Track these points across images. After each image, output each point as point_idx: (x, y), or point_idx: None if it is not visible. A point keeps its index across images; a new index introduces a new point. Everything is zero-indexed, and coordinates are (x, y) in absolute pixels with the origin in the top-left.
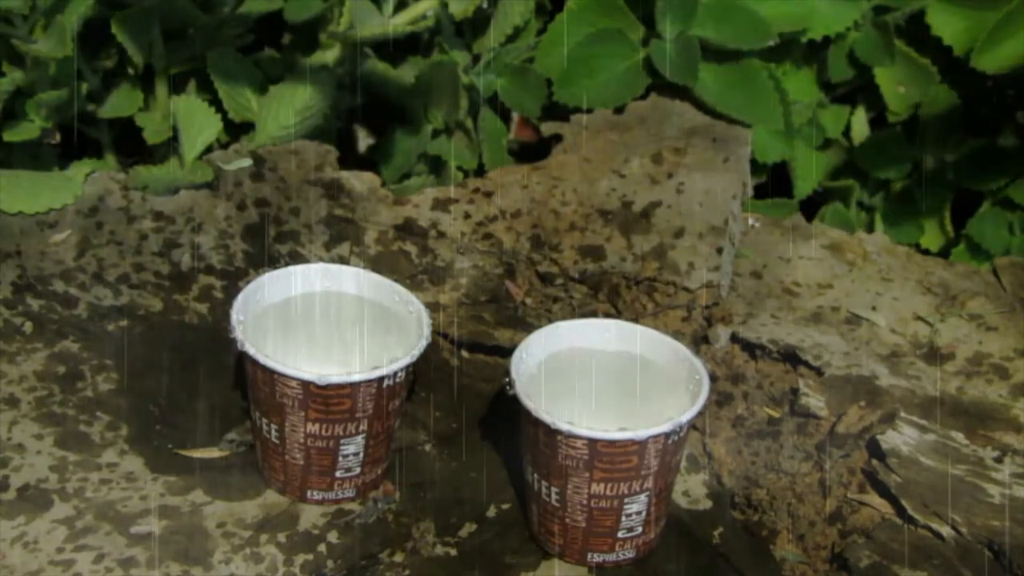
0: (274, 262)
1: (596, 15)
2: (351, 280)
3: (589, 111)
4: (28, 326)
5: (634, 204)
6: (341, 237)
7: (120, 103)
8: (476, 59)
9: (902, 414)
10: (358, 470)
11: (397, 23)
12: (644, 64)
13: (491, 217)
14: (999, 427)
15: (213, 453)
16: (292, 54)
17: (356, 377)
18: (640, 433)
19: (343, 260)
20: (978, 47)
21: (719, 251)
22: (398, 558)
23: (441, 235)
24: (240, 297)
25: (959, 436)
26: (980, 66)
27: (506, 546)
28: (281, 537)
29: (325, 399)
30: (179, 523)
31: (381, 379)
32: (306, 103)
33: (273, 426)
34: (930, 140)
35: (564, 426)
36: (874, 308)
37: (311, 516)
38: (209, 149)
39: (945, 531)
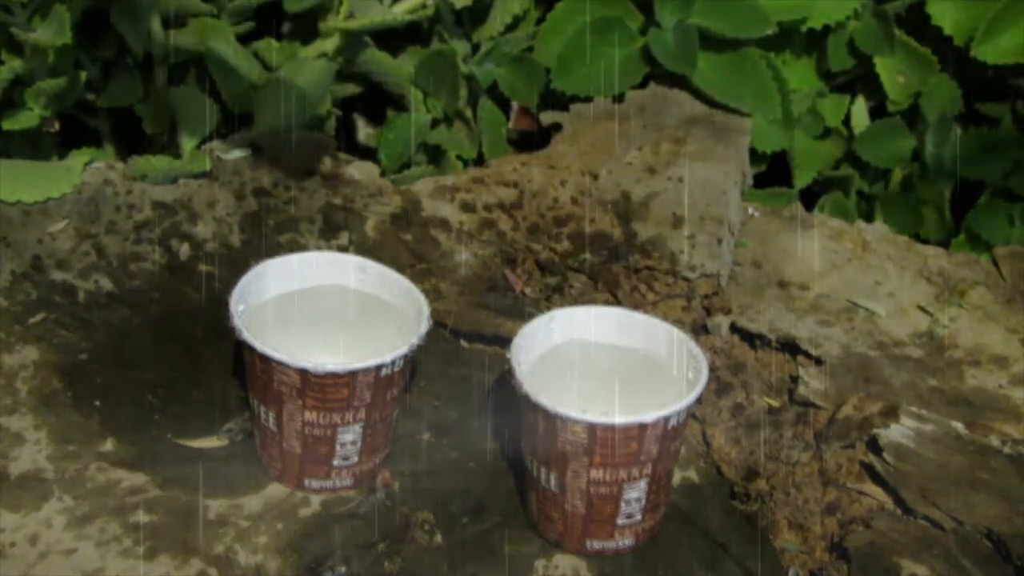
0: (273, 251)
1: (595, 4)
2: (351, 269)
3: (588, 100)
4: (26, 315)
5: (633, 193)
6: (340, 226)
7: (119, 92)
8: (475, 48)
9: (901, 404)
10: (356, 459)
11: (396, 12)
12: (643, 53)
13: (490, 206)
14: (999, 417)
15: (212, 443)
16: (291, 43)
17: (353, 366)
18: (639, 418)
19: (342, 249)
20: (978, 37)
21: (719, 241)
22: (397, 548)
23: (440, 224)
24: (239, 286)
25: (959, 426)
26: (980, 56)
27: (505, 535)
28: (280, 527)
29: (322, 387)
30: (178, 512)
31: (379, 368)
32: (305, 92)
33: (271, 414)
34: (930, 130)
35: (563, 411)
36: (873, 298)
37: (310, 506)
38: (208, 139)
39: (945, 521)
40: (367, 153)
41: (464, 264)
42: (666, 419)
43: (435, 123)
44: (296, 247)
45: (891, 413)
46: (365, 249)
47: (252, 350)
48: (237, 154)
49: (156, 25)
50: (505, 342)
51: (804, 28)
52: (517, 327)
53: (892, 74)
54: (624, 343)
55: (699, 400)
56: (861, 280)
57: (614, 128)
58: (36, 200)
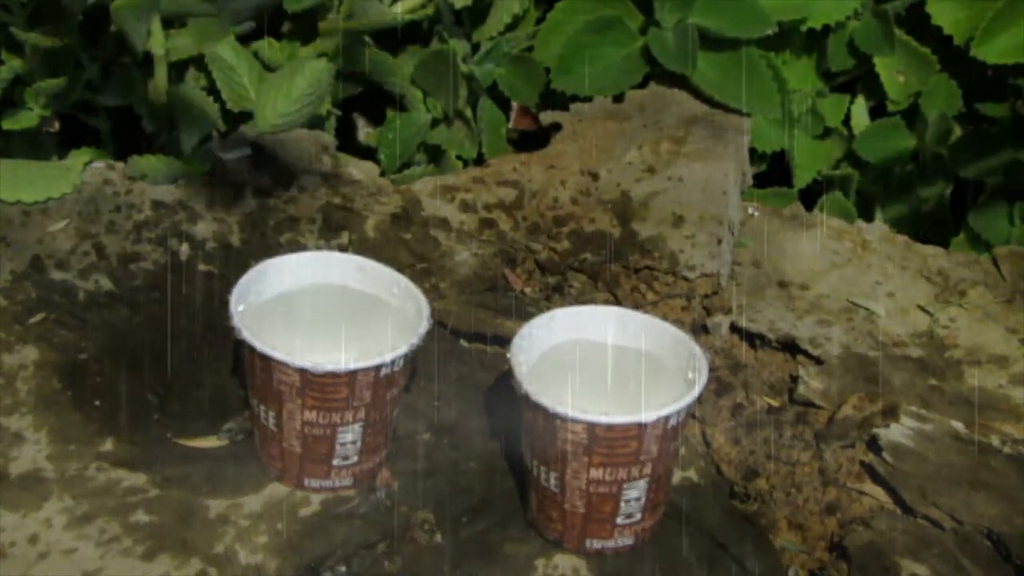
0: (273, 251)
1: (594, 3)
2: (351, 268)
3: (588, 100)
4: (26, 315)
5: (633, 193)
6: (340, 226)
7: (119, 92)
8: (475, 48)
9: (901, 404)
10: (356, 458)
11: (396, 12)
12: (642, 52)
13: (490, 206)
14: (998, 416)
15: (212, 442)
16: (291, 43)
17: (352, 365)
18: (639, 418)
19: (342, 249)
20: (978, 36)
21: (718, 240)
22: (396, 547)
23: (440, 224)
24: (239, 286)
25: (959, 426)
26: (980, 55)
27: (505, 535)
28: (280, 526)
29: (322, 387)
30: (178, 512)
31: (378, 367)
32: (305, 92)
33: (271, 413)
34: (930, 129)
35: (563, 411)
36: (873, 298)
37: (310, 505)
38: (208, 138)
39: (945, 521)
40: (367, 153)
41: (464, 264)
42: (666, 419)
43: (435, 123)
44: (296, 247)
45: (891, 413)
46: (365, 249)
47: (252, 350)
48: (237, 154)
49: (156, 24)
50: (505, 342)
51: (804, 28)
52: (517, 327)
53: (892, 74)
54: (624, 343)
55: (699, 400)
56: (861, 280)
57: (614, 128)
58: (36, 200)
